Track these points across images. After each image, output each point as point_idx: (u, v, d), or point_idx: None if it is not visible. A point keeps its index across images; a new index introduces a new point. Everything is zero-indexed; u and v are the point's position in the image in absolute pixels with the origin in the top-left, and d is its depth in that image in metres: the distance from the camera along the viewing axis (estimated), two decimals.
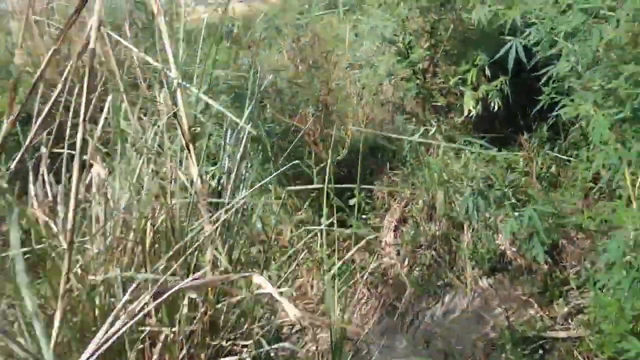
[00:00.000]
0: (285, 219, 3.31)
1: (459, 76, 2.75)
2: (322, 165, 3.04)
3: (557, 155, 3.12)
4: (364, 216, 3.27)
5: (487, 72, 2.83)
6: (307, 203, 3.22)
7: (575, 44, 1.48)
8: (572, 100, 1.96)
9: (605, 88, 1.38)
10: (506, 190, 2.05)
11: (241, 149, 1.40)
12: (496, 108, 2.78)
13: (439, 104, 2.99)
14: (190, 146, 1.10)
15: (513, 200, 1.95)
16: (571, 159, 3.11)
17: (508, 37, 1.88)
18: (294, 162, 1.46)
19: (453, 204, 2.87)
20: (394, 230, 3.10)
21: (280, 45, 5.27)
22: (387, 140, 3.64)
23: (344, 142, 3.04)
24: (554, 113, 2.04)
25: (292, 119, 3.02)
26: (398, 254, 2.96)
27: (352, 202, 3.19)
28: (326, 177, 1.57)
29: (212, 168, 1.33)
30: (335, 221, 3.24)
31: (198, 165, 1.17)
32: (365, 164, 3.47)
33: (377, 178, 3.36)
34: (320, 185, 1.59)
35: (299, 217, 3.25)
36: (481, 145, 3.23)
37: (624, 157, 1.31)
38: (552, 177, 3.10)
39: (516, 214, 1.50)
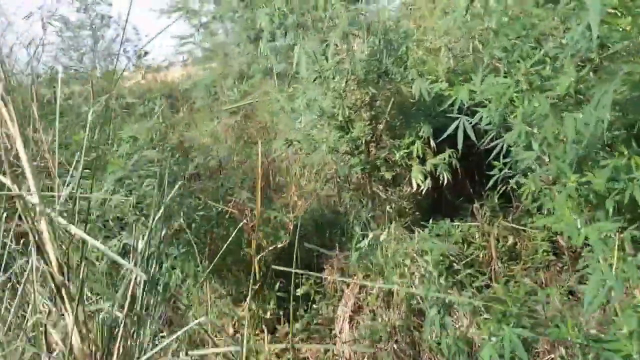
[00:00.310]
0: (223, 312, 2.97)
1: (404, 150, 2.62)
2: (262, 254, 2.78)
3: (513, 225, 3.03)
4: (315, 306, 2.98)
5: (432, 143, 2.73)
6: (249, 296, 2.90)
7: (535, 127, 1.36)
8: (525, 175, 1.85)
9: (579, 181, 1.25)
10: (476, 302, 1.85)
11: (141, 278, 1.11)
12: (445, 182, 2.65)
13: (385, 177, 2.84)
14: (63, 291, 0.82)
15: (486, 316, 1.74)
16: (527, 228, 3.02)
17: (454, 115, 1.76)
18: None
19: (411, 287, 2.65)
20: (349, 322, 2.82)
21: (218, 116, 5.10)
22: (334, 216, 3.44)
23: (286, 226, 2.80)
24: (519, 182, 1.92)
25: (227, 203, 2.76)
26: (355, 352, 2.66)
27: (299, 291, 2.92)
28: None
29: (104, 306, 1.04)
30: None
31: (77, 311, 0.88)
32: (313, 251, 3.23)
33: (326, 262, 3.11)
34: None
35: (240, 313, 2.92)
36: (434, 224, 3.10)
37: (621, 277, 1.16)
38: (510, 250, 2.98)
39: (493, 339, 1.29)
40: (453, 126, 1.72)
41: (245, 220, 2.62)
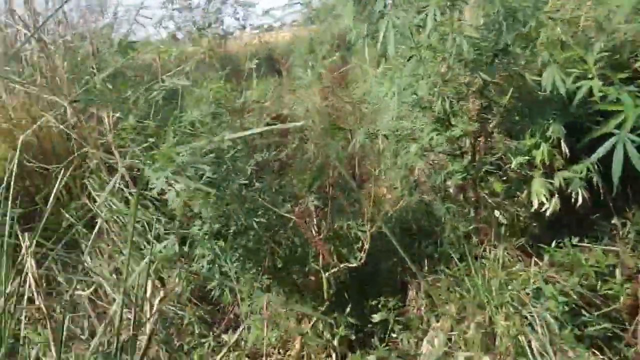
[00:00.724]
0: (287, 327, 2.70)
1: (523, 156, 2.08)
2: (334, 270, 2.41)
3: None
4: (394, 335, 2.58)
5: (564, 147, 2.15)
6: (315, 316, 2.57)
7: None
8: None
9: None
10: None
11: None
12: (580, 201, 2.07)
13: (495, 189, 2.32)
14: None
15: None
16: None
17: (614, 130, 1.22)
18: None
19: (521, 340, 2.14)
20: None
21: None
22: (427, 230, 2.98)
23: (362, 240, 2.40)
24: None
25: (293, 206, 2.42)
26: None
27: (376, 317, 2.54)
28: None
29: None
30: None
31: None
32: (396, 263, 2.81)
33: (412, 283, 2.68)
34: None
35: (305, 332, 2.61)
36: (558, 245, 2.53)
37: None
38: None
39: None
40: (608, 144, 1.19)
41: (311, 231, 2.27)
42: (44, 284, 3.31)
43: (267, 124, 2.98)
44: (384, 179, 3.32)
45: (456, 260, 2.65)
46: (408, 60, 2.20)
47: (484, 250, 2.75)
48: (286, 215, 2.27)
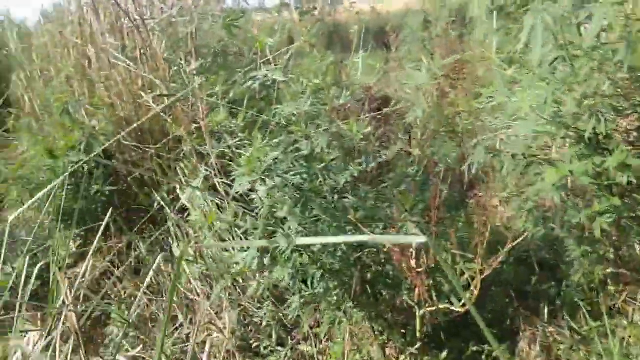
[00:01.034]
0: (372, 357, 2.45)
1: None
2: (428, 309, 2.08)
3: None
4: None
5: None
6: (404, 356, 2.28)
7: None
8: None
9: None
10: None
11: None
12: None
13: None
14: None
15: None
16: None
17: None
18: None
19: None
20: None
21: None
22: (549, 263, 2.53)
23: (472, 277, 2.04)
24: None
25: (387, 228, 2.13)
26: None
27: None
28: None
29: None
30: None
31: None
32: (509, 306, 2.40)
33: (526, 333, 2.28)
34: None
35: None
36: None
37: None
38: None
39: None
40: None
41: (409, 263, 1.96)
42: (133, 263, 3.36)
43: (372, 115, 2.70)
44: (497, 188, 2.90)
45: (585, 311, 2.21)
46: (551, 64, 1.78)
47: (624, 302, 2.27)
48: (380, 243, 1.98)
